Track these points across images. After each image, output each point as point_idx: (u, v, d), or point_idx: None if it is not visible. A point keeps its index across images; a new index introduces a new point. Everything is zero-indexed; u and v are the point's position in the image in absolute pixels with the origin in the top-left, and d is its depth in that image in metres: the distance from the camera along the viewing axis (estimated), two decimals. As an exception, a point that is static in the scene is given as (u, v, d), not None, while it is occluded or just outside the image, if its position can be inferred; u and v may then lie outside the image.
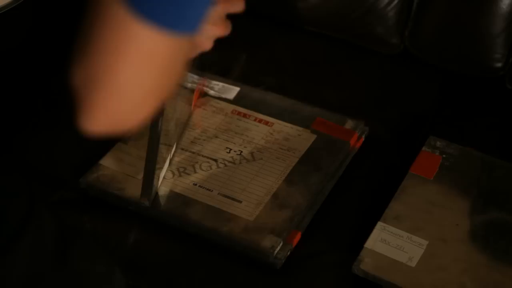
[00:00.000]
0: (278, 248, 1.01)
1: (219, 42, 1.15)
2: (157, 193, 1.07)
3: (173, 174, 1.10)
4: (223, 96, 1.22)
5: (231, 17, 1.13)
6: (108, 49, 0.54)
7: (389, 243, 1.01)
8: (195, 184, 1.08)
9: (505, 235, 1.02)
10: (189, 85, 1.15)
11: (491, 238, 1.02)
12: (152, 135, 1.00)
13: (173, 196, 1.07)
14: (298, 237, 1.03)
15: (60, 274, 0.79)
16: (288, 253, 1.02)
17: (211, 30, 0.76)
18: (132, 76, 0.54)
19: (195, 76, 1.16)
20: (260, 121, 1.18)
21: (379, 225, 1.03)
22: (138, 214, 1.06)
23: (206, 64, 1.21)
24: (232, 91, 1.22)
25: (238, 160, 1.12)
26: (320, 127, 1.16)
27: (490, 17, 1.22)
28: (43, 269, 0.78)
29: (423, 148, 1.13)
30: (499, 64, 1.25)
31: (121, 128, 0.57)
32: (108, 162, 1.11)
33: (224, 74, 1.25)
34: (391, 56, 1.33)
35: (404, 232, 1.02)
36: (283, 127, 1.16)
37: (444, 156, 1.12)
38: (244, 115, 1.18)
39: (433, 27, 1.29)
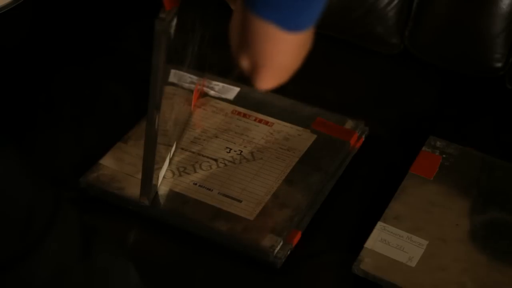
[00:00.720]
0: (278, 247, 1.01)
1: (219, 42, 1.16)
2: (157, 192, 1.07)
3: (173, 173, 1.10)
4: (223, 96, 1.22)
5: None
6: (263, 48, 0.78)
7: (389, 243, 1.01)
8: (195, 184, 1.08)
9: (505, 235, 1.02)
10: (188, 85, 1.15)
11: (491, 238, 1.02)
12: (149, 134, 1.00)
13: (173, 195, 1.07)
14: (298, 236, 1.03)
15: (84, 268, 0.85)
16: (288, 252, 1.02)
17: None
18: (282, 60, 0.80)
19: (194, 77, 1.16)
20: (260, 121, 1.18)
21: (379, 225, 1.03)
22: (138, 213, 1.06)
23: (206, 64, 1.22)
24: (232, 91, 1.22)
25: (238, 159, 1.12)
26: (320, 127, 1.16)
27: (490, 17, 1.22)
28: (70, 263, 0.84)
29: (423, 148, 1.13)
30: (499, 64, 1.25)
31: (281, 82, 0.83)
32: (108, 162, 1.11)
33: (224, 74, 1.25)
34: (391, 56, 1.33)
35: (404, 232, 1.02)
36: (283, 127, 1.17)
37: (444, 156, 1.12)
38: (244, 115, 1.18)
39: (433, 27, 1.29)
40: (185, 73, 1.10)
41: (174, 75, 1.04)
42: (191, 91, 1.18)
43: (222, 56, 1.19)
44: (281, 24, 0.76)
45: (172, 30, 0.93)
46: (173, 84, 1.05)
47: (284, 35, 0.77)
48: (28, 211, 0.80)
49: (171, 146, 1.11)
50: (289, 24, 0.76)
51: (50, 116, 1.21)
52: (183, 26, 0.97)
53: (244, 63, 0.81)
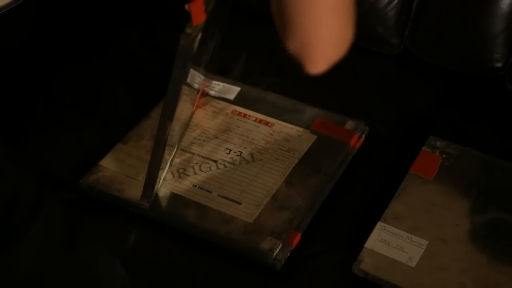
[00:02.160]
0: (277, 250, 1.01)
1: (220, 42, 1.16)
2: (157, 194, 1.07)
3: (173, 175, 1.10)
4: (224, 96, 1.22)
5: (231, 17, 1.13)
6: (305, 21, 0.76)
7: (389, 243, 1.01)
8: (195, 186, 1.08)
9: (505, 235, 1.02)
10: (197, 85, 1.15)
11: (491, 238, 1.02)
12: (158, 141, 1.00)
13: (173, 197, 1.07)
14: (298, 238, 1.03)
15: (68, 261, 0.84)
16: (288, 254, 1.02)
17: None
18: (328, 32, 0.77)
19: (202, 77, 1.16)
20: (260, 121, 1.18)
21: (379, 225, 1.03)
22: (138, 215, 1.07)
23: (215, 65, 1.22)
24: (233, 91, 1.22)
25: (237, 161, 1.12)
26: (320, 127, 1.16)
27: (490, 17, 1.22)
28: (52, 256, 0.83)
29: (423, 148, 1.13)
30: (499, 64, 1.25)
31: (334, 62, 0.80)
32: (108, 163, 1.11)
33: (224, 74, 1.25)
34: (391, 56, 1.33)
35: (404, 232, 1.02)
36: (283, 128, 1.16)
37: (444, 156, 1.12)
38: (244, 115, 1.18)
39: (433, 27, 1.28)
40: (196, 73, 1.11)
41: (189, 76, 1.04)
42: (198, 91, 1.18)
43: (222, 56, 1.20)
44: None
45: (196, 45, 0.94)
46: (186, 84, 1.05)
47: None
48: (12, 207, 0.80)
49: (174, 147, 1.11)
50: None
51: (50, 117, 1.21)
52: (204, 36, 0.97)
53: (292, 46, 0.78)
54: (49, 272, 0.83)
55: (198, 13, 0.91)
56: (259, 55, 1.30)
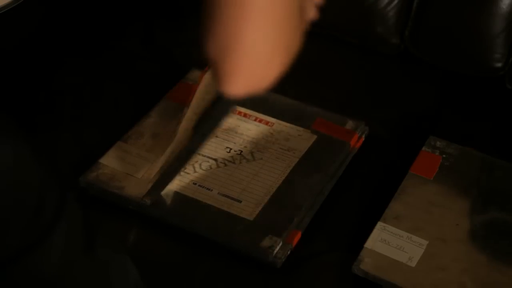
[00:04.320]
0: (278, 248, 1.01)
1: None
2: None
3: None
4: None
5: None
6: (232, 18, 0.61)
7: (389, 243, 1.01)
8: (195, 184, 1.08)
9: (505, 235, 1.02)
10: None
11: (491, 238, 1.02)
12: (192, 145, 1.00)
13: (173, 195, 1.07)
14: (298, 237, 1.03)
15: (87, 262, 0.83)
16: (288, 252, 1.02)
17: None
18: (258, 36, 0.62)
19: None
20: (260, 121, 1.18)
21: (379, 225, 1.03)
22: (138, 213, 1.07)
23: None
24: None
25: (238, 159, 1.12)
26: (321, 127, 1.16)
27: (490, 17, 1.22)
28: (73, 258, 0.82)
29: (423, 148, 1.13)
30: (499, 64, 1.25)
31: (258, 88, 0.64)
32: (107, 161, 1.11)
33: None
34: (391, 56, 1.33)
35: (404, 232, 1.02)
36: (283, 127, 1.17)
37: (444, 156, 1.12)
38: (245, 115, 1.18)
39: (433, 27, 1.29)
40: None
41: None
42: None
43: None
44: None
45: None
46: None
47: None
48: (37, 211, 0.80)
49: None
50: None
51: (50, 115, 1.21)
52: None
53: (211, 51, 0.63)
54: (70, 274, 0.82)
55: None
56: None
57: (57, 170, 1.11)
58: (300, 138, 1.15)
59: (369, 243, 1.00)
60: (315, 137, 1.15)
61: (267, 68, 0.64)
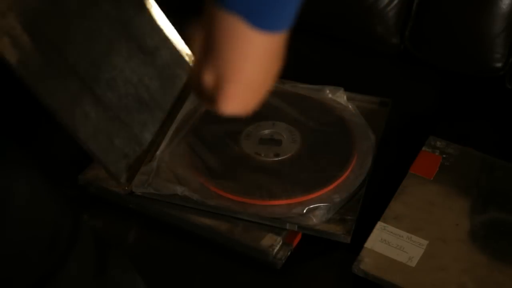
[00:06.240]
0: (278, 247, 1.01)
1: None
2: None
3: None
4: None
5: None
6: (229, 53, 0.68)
7: (389, 243, 1.01)
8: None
9: (505, 235, 1.02)
10: None
11: (491, 238, 1.02)
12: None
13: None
14: (298, 237, 1.03)
15: (99, 285, 0.85)
16: (289, 253, 1.02)
17: None
18: (251, 70, 0.69)
19: None
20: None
21: (379, 225, 1.03)
22: (137, 211, 1.07)
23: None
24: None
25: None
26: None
27: (490, 17, 1.22)
28: (87, 283, 0.84)
29: (423, 148, 1.13)
30: (499, 64, 1.25)
31: (248, 108, 0.72)
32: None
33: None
34: (391, 56, 1.33)
35: (404, 232, 1.02)
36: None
37: (444, 156, 1.12)
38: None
39: (433, 27, 1.29)
40: None
41: None
42: None
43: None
44: (249, 19, 0.66)
45: None
46: None
47: (253, 34, 0.67)
48: (53, 240, 0.82)
49: None
50: (259, 20, 0.67)
51: (49, 114, 1.21)
52: None
53: (207, 78, 0.70)
54: None
55: None
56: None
57: (55, 167, 1.12)
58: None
59: (369, 243, 1.00)
60: (315, 136, 1.15)
61: (256, 95, 0.72)
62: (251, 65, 0.69)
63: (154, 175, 1.06)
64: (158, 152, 1.09)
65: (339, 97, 1.18)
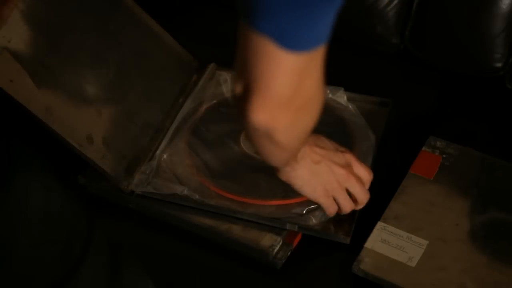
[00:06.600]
0: (278, 247, 1.01)
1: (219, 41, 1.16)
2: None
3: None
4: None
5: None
6: (258, 70, 0.72)
7: (389, 243, 1.01)
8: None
9: (505, 235, 1.02)
10: None
11: (491, 238, 1.02)
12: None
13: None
14: (298, 237, 1.03)
15: (114, 286, 0.86)
16: (289, 253, 1.02)
17: None
18: (279, 86, 0.73)
19: None
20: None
21: (379, 225, 1.03)
22: (137, 211, 1.07)
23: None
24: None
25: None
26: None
27: (490, 17, 1.22)
28: (102, 281, 0.85)
29: (423, 148, 1.13)
30: (499, 64, 1.25)
31: (276, 122, 0.76)
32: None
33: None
34: (391, 56, 1.33)
35: (404, 232, 1.02)
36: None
37: (444, 156, 1.12)
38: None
39: (433, 27, 1.28)
40: None
41: None
42: None
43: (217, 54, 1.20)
44: (278, 40, 0.69)
45: None
46: None
47: (282, 54, 0.70)
48: (68, 245, 0.82)
49: None
50: (288, 41, 0.69)
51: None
52: None
53: (238, 87, 0.75)
54: None
55: None
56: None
57: (55, 167, 1.12)
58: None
59: (369, 243, 1.00)
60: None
61: (289, 107, 0.76)
62: (279, 82, 0.72)
63: (154, 174, 1.06)
64: (158, 152, 1.09)
65: (339, 97, 1.18)
